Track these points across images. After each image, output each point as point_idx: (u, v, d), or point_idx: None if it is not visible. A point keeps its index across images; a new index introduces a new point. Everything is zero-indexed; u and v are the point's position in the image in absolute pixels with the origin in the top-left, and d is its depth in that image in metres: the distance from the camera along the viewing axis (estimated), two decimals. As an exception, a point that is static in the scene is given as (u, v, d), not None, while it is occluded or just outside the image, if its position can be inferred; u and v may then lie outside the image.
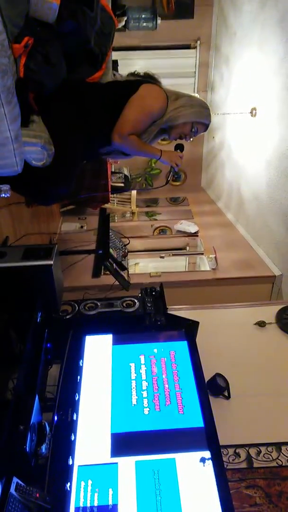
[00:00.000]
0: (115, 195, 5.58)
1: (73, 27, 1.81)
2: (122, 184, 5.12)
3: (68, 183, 1.91)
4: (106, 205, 4.97)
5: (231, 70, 5.08)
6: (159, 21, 5.02)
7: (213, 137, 5.98)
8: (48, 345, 2.16)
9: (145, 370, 1.99)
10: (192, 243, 5.10)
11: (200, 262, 4.74)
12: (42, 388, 2.03)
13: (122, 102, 1.87)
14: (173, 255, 4.76)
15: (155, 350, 2.08)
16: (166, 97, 1.93)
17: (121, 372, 1.98)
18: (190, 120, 2.00)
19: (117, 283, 3.00)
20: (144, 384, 1.92)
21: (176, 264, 4.83)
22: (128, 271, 3.14)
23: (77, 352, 2.12)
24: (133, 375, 1.96)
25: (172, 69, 5.45)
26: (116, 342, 2.15)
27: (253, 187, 4.61)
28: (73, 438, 1.69)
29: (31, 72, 1.70)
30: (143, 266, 4.62)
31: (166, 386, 1.90)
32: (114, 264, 2.86)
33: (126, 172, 5.64)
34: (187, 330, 2.19)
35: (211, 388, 2.18)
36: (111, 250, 2.88)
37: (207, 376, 2.13)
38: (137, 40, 5.25)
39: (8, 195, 1.76)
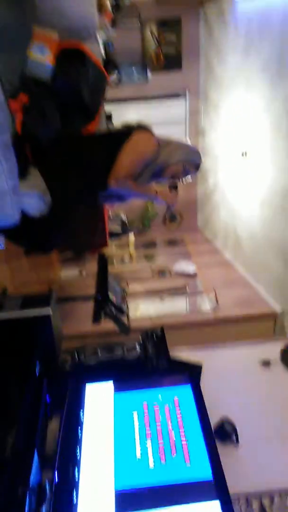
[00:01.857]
0: (113, 239, 5.63)
1: (66, 84, 1.90)
2: (120, 229, 5.18)
3: (65, 231, 1.93)
4: (105, 250, 5.01)
5: (220, 115, 5.30)
6: (149, 74, 5.29)
7: (206, 179, 6.13)
8: (47, 397, 2.09)
9: (149, 418, 1.91)
10: (191, 283, 5.09)
11: (200, 302, 4.71)
12: (41, 445, 1.94)
13: (116, 150, 1.94)
14: (173, 296, 4.73)
15: (159, 396, 2.02)
16: (157, 143, 2.00)
17: (124, 422, 1.90)
18: (181, 160, 2.06)
19: (117, 328, 2.95)
20: (148, 434, 1.83)
21: (177, 306, 4.79)
22: (128, 316, 3.10)
23: (78, 402, 2.05)
24: (137, 425, 1.88)
25: (163, 117, 5.69)
26: (117, 389, 2.09)
27: (249, 225, 4.67)
28: (75, 499, 1.59)
29: (27, 126, 1.77)
30: (143, 309, 4.57)
31: (171, 435, 1.82)
32: (114, 309, 2.83)
33: (123, 216, 5.72)
34: (190, 373, 2.13)
35: (218, 434, 2.09)
36: (110, 295, 2.87)
37: (213, 420, 2.05)
38: (129, 92, 5.51)
39: (2, 247, 1.77)
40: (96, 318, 3.19)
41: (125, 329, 2.85)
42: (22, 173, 1.81)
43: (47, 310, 2.06)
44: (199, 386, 2.04)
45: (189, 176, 2.17)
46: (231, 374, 2.60)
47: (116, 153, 1.96)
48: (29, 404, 1.89)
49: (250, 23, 4.00)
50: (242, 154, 4.62)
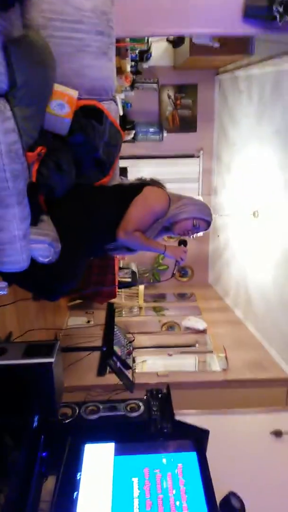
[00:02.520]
0: (122, 290, 5.60)
1: (83, 139, 1.98)
2: (130, 279, 5.17)
3: (73, 279, 1.92)
4: (114, 300, 4.96)
5: (232, 175, 5.44)
6: (165, 134, 5.54)
7: (218, 236, 6.17)
8: (44, 453, 1.97)
9: (150, 486, 1.77)
10: (201, 340, 4.95)
11: (210, 361, 4.55)
12: (34, 505, 1.80)
13: (127, 202, 1.97)
14: (181, 352, 4.59)
15: (164, 461, 1.88)
16: (168, 198, 2.03)
17: (123, 489, 1.76)
18: (191, 216, 2.07)
19: (121, 383, 2.84)
20: (148, 504, 1.69)
21: (185, 363, 4.63)
22: (133, 370, 2.99)
23: (75, 463, 1.92)
24: (136, 493, 1.74)
25: (177, 175, 5.86)
26: (118, 452, 1.96)
27: (260, 285, 4.61)
28: None
29: (42, 177, 1.82)
30: (150, 364, 4.43)
31: (173, 507, 1.67)
32: (118, 363, 2.74)
33: (133, 267, 5.73)
34: (196, 439, 2.00)
35: (224, 510, 1.91)
36: (115, 347, 2.79)
37: (219, 492, 1.88)
38: (144, 150, 5.74)
39: (5, 293, 1.75)
40: (100, 371, 3.09)
41: (129, 384, 2.74)
42: (34, 221, 1.83)
43: (50, 359, 1.99)
44: (205, 454, 1.91)
45: (199, 233, 2.17)
46: (240, 443, 2.44)
47: (126, 206, 2.00)
48: (24, 459, 1.78)
49: (262, 90, 4.22)
50: (253, 214, 4.67)
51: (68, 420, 2.19)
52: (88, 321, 4.86)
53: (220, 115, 5.69)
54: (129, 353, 3.11)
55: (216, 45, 4.02)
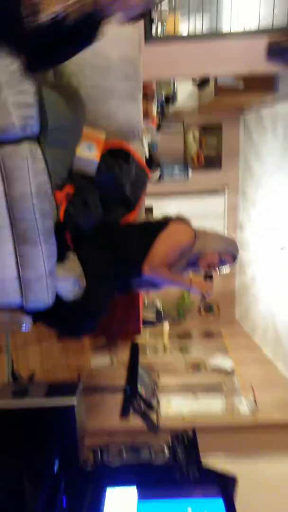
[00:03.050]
0: (147, 328, 5.52)
1: (110, 179, 2.02)
2: (154, 317, 5.10)
3: (98, 315, 1.91)
4: (138, 338, 4.89)
5: (258, 210, 5.41)
6: (190, 172, 5.62)
7: (245, 271, 6.07)
8: (64, 498, 1.89)
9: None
10: (228, 380, 4.76)
11: (238, 402, 4.35)
12: None
13: (152, 238, 1.97)
14: (207, 393, 4.41)
15: (189, 510, 1.77)
16: (194, 233, 2.02)
17: None
18: (217, 249, 2.05)
19: (145, 425, 2.73)
20: None
21: (211, 404, 4.44)
22: (157, 412, 2.88)
23: (97, 507, 1.83)
24: None
25: (202, 211, 5.88)
26: (141, 497, 1.86)
27: (290, 322, 4.45)
28: None
29: (70, 215, 1.85)
30: (175, 406, 4.27)
31: None
32: (142, 404, 2.65)
33: (158, 304, 5.67)
34: (223, 485, 1.88)
35: None
36: (139, 388, 2.71)
37: None
38: (170, 188, 5.82)
39: (28, 329, 1.75)
40: (124, 413, 2.99)
41: (153, 427, 2.63)
42: (61, 258, 1.85)
43: (72, 400, 1.95)
44: (233, 501, 1.79)
45: (225, 267, 2.14)
46: (270, 490, 2.28)
47: (152, 241, 2.00)
48: (43, 505, 1.71)
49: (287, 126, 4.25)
50: (281, 249, 4.59)
51: (90, 464, 2.11)
52: (112, 361, 4.79)
53: (244, 152, 5.74)
54: (154, 394, 3.01)
55: (240, 85, 4.12)
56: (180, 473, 2.05)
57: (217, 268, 2.11)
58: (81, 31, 1.46)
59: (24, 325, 1.73)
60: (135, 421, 3.21)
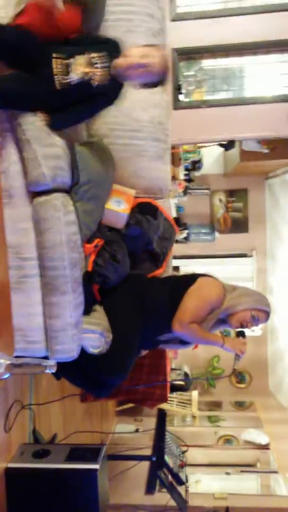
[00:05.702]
0: (174, 395, 5.25)
1: (138, 233, 2.06)
2: (183, 383, 4.86)
3: (123, 372, 1.83)
4: (164, 406, 4.63)
5: (288, 275, 5.31)
6: (216, 235, 5.67)
7: (277, 337, 5.81)
8: None
9: None
10: (263, 457, 4.36)
11: (275, 482, 3.93)
12: None
13: (180, 292, 1.93)
14: (241, 471, 4.04)
15: None
16: (223, 287, 1.97)
17: None
18: (249, 307, 1.97)
19: (172, 502, 2.48)
20: None
21: (245, 482, 4.04)
22: (186, 487, 2.63)
23: None
24: None
25: (230, 274, 5.82)
26: None
27: None
28: None
29: (98, 267, 1.87)
30: (205, 483, 3.91)
31: None
32: (170, 476, 2.43)
33: (186, 370, 5.44)
34: None
35: None
36: (166, 458, 2.50)
37: None
38: (197, 250, 5.86)
39: (53, 371, 1.69)
40: (150, 487, 2.74)
41: (182, 503, 2.39)
42: (87, 310, 1.84)
43: (95, 465, 1.81)
44: None
45: (257, 324, 2.05)
46: None
47: (180, 297, 1.95)
48: None
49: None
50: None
51: None
52: (137, 430, 4.52)
53: (271, 216, 5.79)
54: (182, 466, 2.77)
55: (266, 150, 4.26)
56: None
57: (249, 326, 2.03)
58: (104, 92, 1.63)
59: (48, 368, 1.68)
60: (161, 498, 2.93)
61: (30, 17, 1.55)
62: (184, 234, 5.15)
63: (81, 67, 1.57)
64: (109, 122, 1.95)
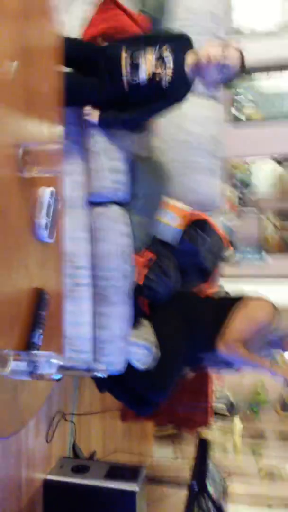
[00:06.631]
0: (216, 421, 5.05)
1: (191, 248, 2.02)
2: (225, 409, 4.67)
3: (166, 389, 1.79)
4: (205, 432, 4.46)
5: None
6: (266, 256, 5.51)
7: None
8: None
9: None
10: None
11: None
12: None
13: (226, 311, 1.85)
14: (285, 505, 3.77)
15: None
16: (273, 309, 1.88)
17: None
18: None
19: (212, 536, 2.33)
20: None
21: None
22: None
23: None
24: None
25: (282, 297, 5.61)
26: None
27: None
28: None
29: (149, 281, 1.85)
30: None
31: None
32: (211, 505, 2.29)
33: (230, 396, 5.23)
34: None
35: None
36: (208, 485, 2.37)
37: None
38: (246, 271, 5.70)
39: (105, 376, 1.65)
40: (188, 515, 2.61)
41: (223, 538, 2.24)
42: (136, 324, 1.81)
43: (134, 486, 1.75)
44: None
45: None
46: None
47: (225, 315, 1.87)
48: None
49: None
50: None
51: None
52: (175, 454, 4.37)
53: None
54: (224, 495, 2.62)
55: None
56: None
57: None
58: (174, 91, 1.57)
59: (99, 371, 1.64)
60: (199, 530, 2.78)
61: (96, 29, 1.59)
62: (233, 253, 5.05)
63: (151, 67, 1.54)
64: (168, 139, 1.96)
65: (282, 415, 5.81)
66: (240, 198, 5.15)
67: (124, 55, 1.54)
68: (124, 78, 1.54)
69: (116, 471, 1.90)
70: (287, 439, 5.51)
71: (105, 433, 2.79)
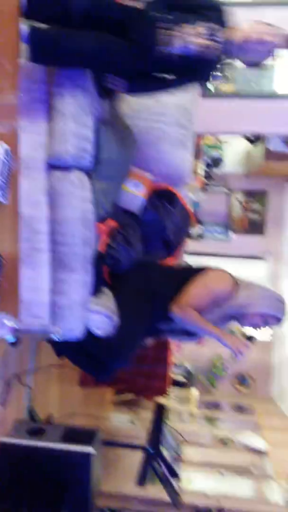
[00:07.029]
0: (173, 390, 5.21)
1: (154, 218, 2.02)
2: (183, 379, 4.82)
3: (126, 356, 1.82)
4: (162, 401, 4.60)
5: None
6: (232, 235, 5.60)
7: (284, 344, 5.73)
8: None
9: None
10: (258, 462, 4.30)
11: (269, 489, 3.88)
12: None
13: (186, 279, 1.88)
14: (235, 473, 3.99)
15: None
16: (234, 282, 1.92)
17: None
18: (259, 312, 1.91)
19: (164, 497, 2.45)
20: None
21: (238, 486, 3.98)
22: (180, 480, 2.60)
23: None
24: None
25: (242, 276, 5.75)
26: None
27: None
28: None
29: (111, 249, 1.84)
30: (197, 482, 3.86)
31: None
32: (164, 468, 2.40)
33: (188, 366, 5.40)
34: None
35: None
36: (162, 449, 2.47)
37: None
38: (210, 248, 5.79)
39: (60, 339, 1.66)
40: (142, 477, 2.72)
41: (175, 498, 2.36)
42: (96, 291, 1.81)
43: (89, 449, 1.79)
44: None
45: (268, 327, 1.99)
46: None
47: (185, 283, 1.90)
48: None
49: None
50: None
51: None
52: (132, 421, 4.50)
53: (290, 221, 5.70)
54: (178, 460, 2.74)
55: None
56: None
57: (259, 328, 1.97)
58: (205, 64, 1.51)
59: (54, 333, 1.65)
60: (153, 491, 2.90)
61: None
62: (199, 230, 5.10)
63: (188, 37, 1.45)
64: (133, 103, 1.91)
65: (238, 388, 6.08)
66: (209, 175, 5.16)
67: (161, 24, 1.46)
68: (157, 48, 1.46)
69: (72, 434, 1.93)
70: (241, 411, 5.78)
71: (62, 397, 2.82)
